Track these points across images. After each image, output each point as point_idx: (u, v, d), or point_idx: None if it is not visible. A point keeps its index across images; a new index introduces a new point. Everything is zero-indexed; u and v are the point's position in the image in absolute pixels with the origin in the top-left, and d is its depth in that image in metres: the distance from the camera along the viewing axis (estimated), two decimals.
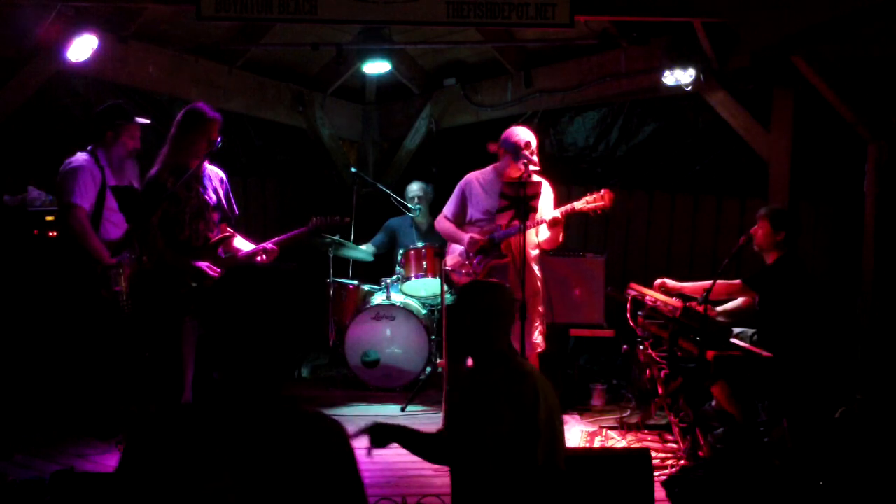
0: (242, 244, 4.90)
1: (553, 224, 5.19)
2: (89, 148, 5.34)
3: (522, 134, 5.23)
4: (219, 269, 4.66)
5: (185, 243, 4.66)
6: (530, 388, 2.95)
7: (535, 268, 5.37)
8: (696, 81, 6.09)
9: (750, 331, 5.43)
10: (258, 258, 4.78)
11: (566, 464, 2.98)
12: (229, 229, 4.78)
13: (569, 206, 5.24)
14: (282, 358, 2.01)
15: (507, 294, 3.21)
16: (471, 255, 5.31)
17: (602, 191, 5.23)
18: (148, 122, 5.48)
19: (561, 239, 5.34)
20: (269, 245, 4.79)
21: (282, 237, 4.88)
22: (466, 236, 5.32)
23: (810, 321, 5.16)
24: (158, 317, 4.70)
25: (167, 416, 1.97)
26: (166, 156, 4.67)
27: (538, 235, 5.34)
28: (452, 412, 3.22)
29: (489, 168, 5.48)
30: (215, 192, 4.76)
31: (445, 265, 5.53)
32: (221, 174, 4.90)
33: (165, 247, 4.63)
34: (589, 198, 5.24)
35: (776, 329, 5.15)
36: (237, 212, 4.95)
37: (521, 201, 4.95)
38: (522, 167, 5.03)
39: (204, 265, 4.61)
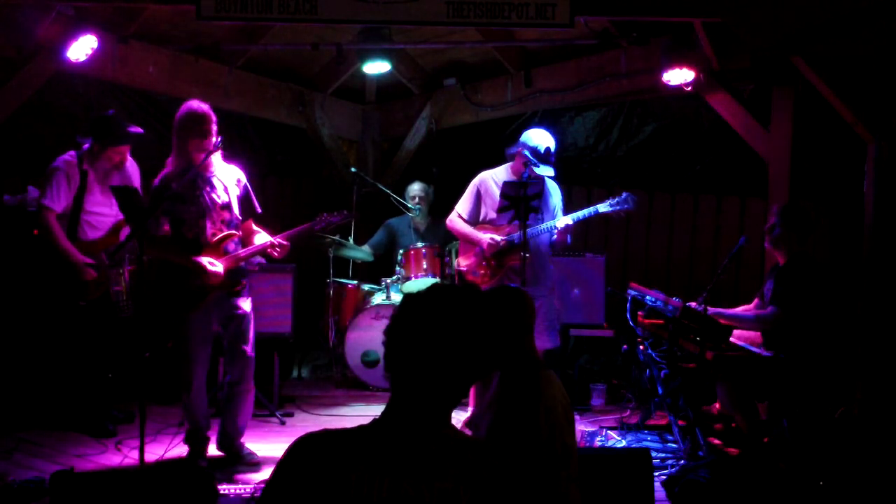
0: (263, 238, 4.90)
1: (566, 230, 5.21)
2: (85, 147, 5.33)
3: (545, 138, 5.23)
4: (220, 265, 4.67)
5: (193, 241, 4.68)
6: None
7: (551, 266, 5.44)
8: (695, 81, 6.08)
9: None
10: (271, 252, 4.79)
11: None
12: (229, 229, 4.76)
13: (591, 210, 5.24)
14: (463, 382, 1.95)
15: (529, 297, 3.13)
16: (488, 255, 5.30)
17: (624, 194, 5.23)
18: (141, 131, 5.44)
19: (569, 241, 5.38)
20: (278, 239, 4.79)
21: (289, 232, 4.89)
22: (485, 239, 5.31)
23: (817, 321, 5.16)
24: (163, 314, 4.70)
25: (326, 433, 1.91)
26: (172, 159, 4.71)
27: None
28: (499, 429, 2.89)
29: (502, 168, 5.47)
30: (226, 191, 4.75)
31: (460, 266, 5.51)
32: (239, 174, 4.88)
33: (169, 245, 4.65)
34: (612, 201, 5.24)
35: (783, 328, 5.15)
36: (259, 210, 4.95)
37: (521, 201, 4.95)
38: (523, 167, 5.05)
39: (203, 260, 4.62)
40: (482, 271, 5.34)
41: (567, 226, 5.20)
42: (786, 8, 4.95)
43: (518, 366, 2.93)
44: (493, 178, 5.43)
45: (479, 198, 5.44)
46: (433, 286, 2.07)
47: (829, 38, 4.95)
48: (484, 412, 2.95)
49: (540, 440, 2.73)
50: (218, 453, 4.96)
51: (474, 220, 5.46)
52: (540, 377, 2.90)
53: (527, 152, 5.23)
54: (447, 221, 5.67)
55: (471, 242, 5.44)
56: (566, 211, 5.40)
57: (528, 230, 5.14)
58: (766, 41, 5.06)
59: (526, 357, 2.95)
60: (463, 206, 5.50)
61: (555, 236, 5.29)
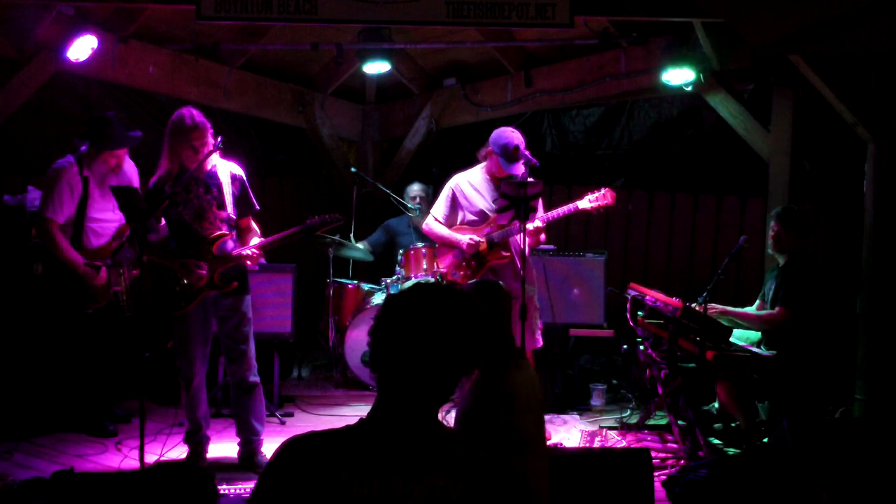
0: (257, 240, 4.87)
1: (538, 230, 5.19)
2: (83, 149, 5.28)
3: (513, 136, 5.21)
4: (205, 267, 4.66)
5: (189, 242, 4.67)
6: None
7: (530, 264, 5.41)
8: (696, 81, 6.09)
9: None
10: (246, 260, 4.74)
11: (567, 464, 2.98)
12: (226, 227, 4.75)
13: (572, 205, 5.23)
14: (449, 378, 1.96)
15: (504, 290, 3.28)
16: (468, 256, 5.29)
17: (603, 189, 5.22)
18: (139, 135, 5.37)
19: (543, 239, 5.35)
20: (250, 249, 4.74)
21: (273, 237, 4.83)
22: (464, 240, 5.29)
23: (818, 321, 5.15)
24: (155, 315, 4.70)
25: (316, 435, 1.91)
26: (163, 161, 4.68)
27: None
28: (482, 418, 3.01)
29: (476, 169, 5.44)
30: (220, 191, 4.72)
31: (439, 267, 5.50)
32: (235, 170, 4.82)
33: (157, 247, 4.65)
34: (591, 196, 5.23)
35: (784, 328, 5.15)
36: (257, 207, 4.91)
37: (521, 201, 4.93)
38: (523, 167, 5.03)
39: (189, 262, 4.62)
40: (461, 272, 5.32)
41: (536, 227, 5.17)
42: (785, 8, 4.94)
43: (493, 355, 3.02)
44: (468, 180, 5.40)
45: (454, 201, 5.41)
46: (415, 285, 2.09)
47: (828, 38, 4.95)
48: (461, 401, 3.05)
49: (499, 424, 2.86)
50: (218, 454, 4.96)
51: (451, 223, 5.42)
52: (508, 364, 3.00)
53: (498, 151, 5.18)
54: (423, 227, 5.65)
55: (449, 245, 5.41)
56: (547, 209, 5.37)
57: (504, 231, 5.16)
58: (766, 41, 5.05)
59: (502, 346, 3.06)
60: (438, 210, 5.47)
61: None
